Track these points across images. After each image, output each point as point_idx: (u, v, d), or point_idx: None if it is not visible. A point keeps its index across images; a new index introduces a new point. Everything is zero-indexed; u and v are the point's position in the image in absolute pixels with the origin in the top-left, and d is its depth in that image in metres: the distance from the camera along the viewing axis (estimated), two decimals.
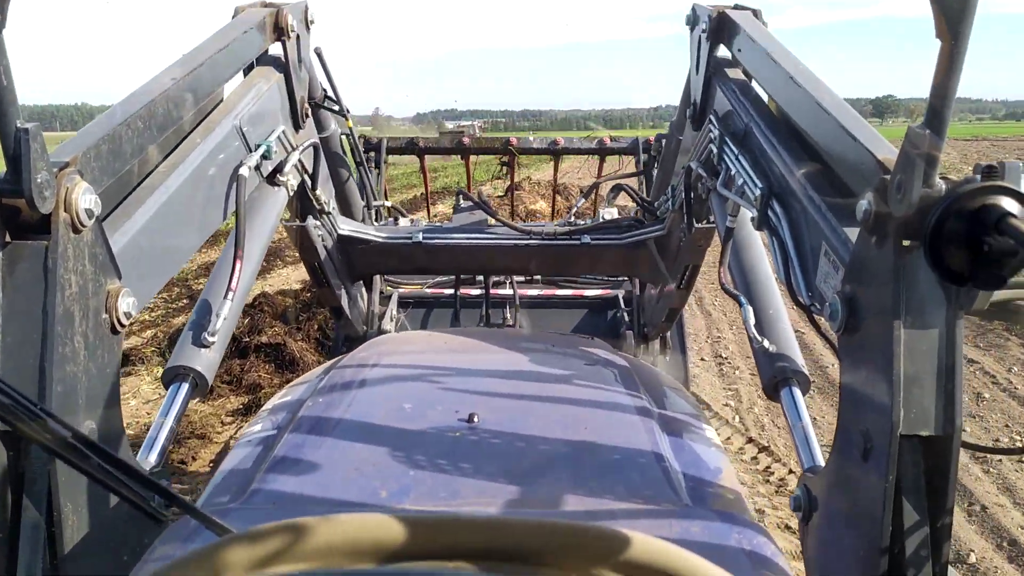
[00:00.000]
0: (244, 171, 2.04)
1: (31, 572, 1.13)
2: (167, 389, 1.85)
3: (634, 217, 3.64)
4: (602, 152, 4.51)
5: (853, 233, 1.33)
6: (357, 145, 3.64)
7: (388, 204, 3.91)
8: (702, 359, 7.87)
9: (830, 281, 1.42)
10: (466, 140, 4.48)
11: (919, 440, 1.16)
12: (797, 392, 1.88)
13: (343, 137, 3.47)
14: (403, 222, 3.70)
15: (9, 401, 0.81)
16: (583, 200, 4.24)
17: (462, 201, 3.64)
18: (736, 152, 2.08)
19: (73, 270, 1.27)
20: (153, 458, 1.65)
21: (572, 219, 3.75)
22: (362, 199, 3.70)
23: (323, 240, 3.05)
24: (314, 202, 2.86)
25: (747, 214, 2.05)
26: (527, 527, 0.65)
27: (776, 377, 1.92)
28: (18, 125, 1.14)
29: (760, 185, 1.84)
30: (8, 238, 1.24)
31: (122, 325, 1.42)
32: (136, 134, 1.59)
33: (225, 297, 1.95)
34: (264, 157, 2.21)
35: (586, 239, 3.39)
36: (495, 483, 1.50)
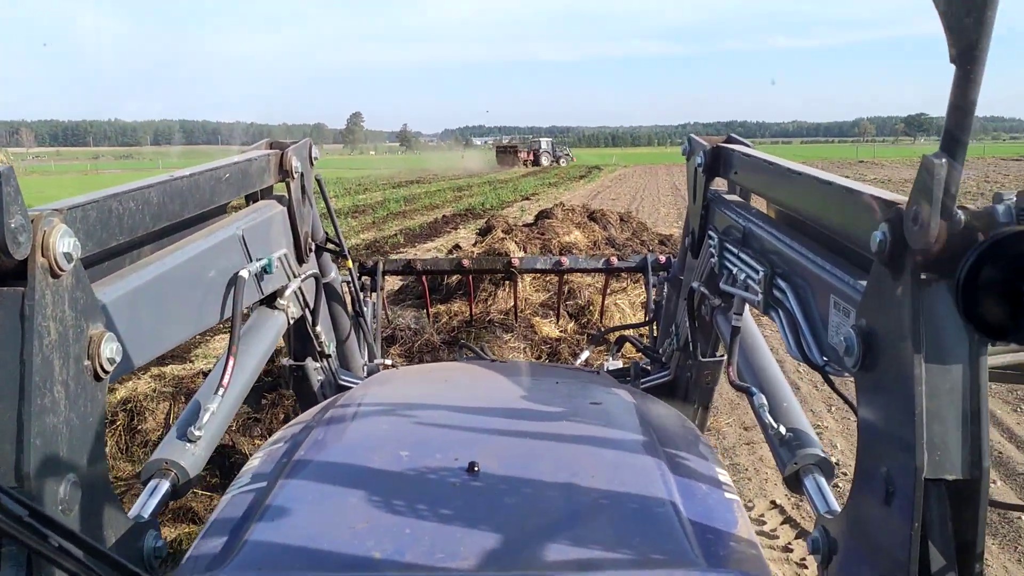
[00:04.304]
0: (244, 273, 2.09)
1: None
2: (144, 486, 1.72)
3: (640, 366, 3.60)
4: (609, 271, 4.35)
5: (862, 285, 1.35)
6: (358, 292, 3.60)
7: (388, 361, 3.84)
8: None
9: (842, 331, 1.38)
10: (466, 262, 4.47)
11: (944, 484, 1.12)
12: (822, 480, 1.80)
13: (344, 284, 3.52)
14: None
15: None
16: (587, 352, 4.28)
17: (465, 353, 3.72)
18: (737, 251, 2.18)
19: (52, 316, 1.23)
20: (147, 514, 1.58)
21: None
22: (361, 356, 3.65)
23: (321, 386, 2.97)
24: (314, 340, 2.86)
25: (749, 316, 2.19)
26: None
27: (798, 464, 1.84)
28: None
29: (762, 269, 1.92)
30: None
31: (105, 372, 1.37)
32: (127, 213, 1.57)
33: (216, 392, 1.90)
34: (265, 271, 2.25)
35: None
36: (496, 540, 1.42)
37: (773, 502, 5.49)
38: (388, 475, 1.68)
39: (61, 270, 1.24)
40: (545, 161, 68.03)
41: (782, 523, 5.23)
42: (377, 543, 1.40)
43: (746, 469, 6.01)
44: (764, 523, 5.22)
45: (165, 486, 1.71)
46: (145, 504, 1.64)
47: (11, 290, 1.19)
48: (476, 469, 1.64)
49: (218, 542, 1.48)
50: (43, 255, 1.21)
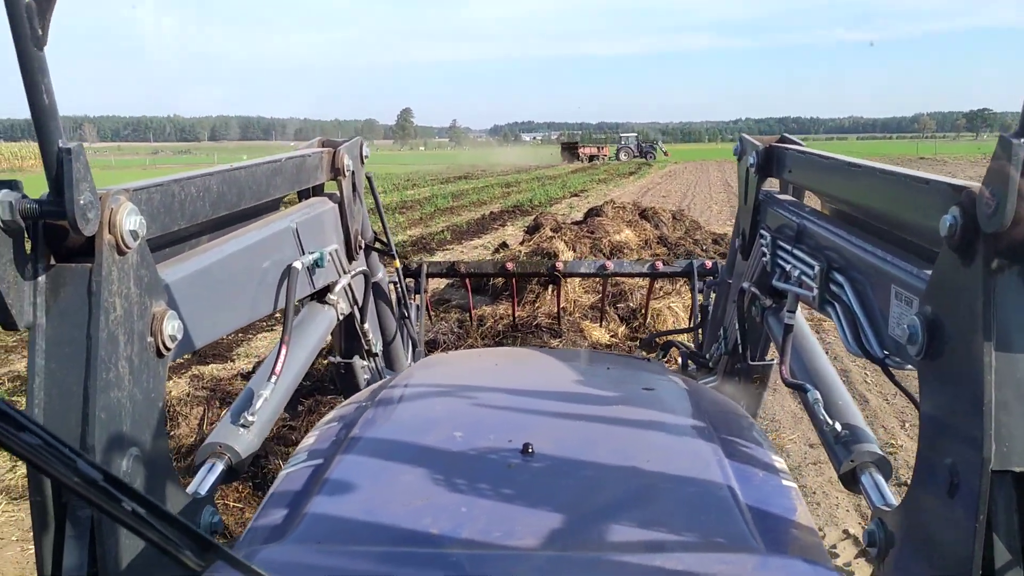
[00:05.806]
0: (297, 265, 2.14)
1: None
2: (199, 469, 1.75)
3: (689, 370, 3.56)
4: (654, 276, 4.47)
5: (925, 274, 1.33)
6: (405, 293, 3.62)
7: None
8: None
9: (905, 320, 1.36)
10: (509, 265, 4.61)
11: (1012, 476, 1.08)
12: (879, 477, 1.74)
13: (391, 284, 3.51)
14: None
15: (36, 440, 0.70)
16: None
17: None
18: (791, 248, 2.16)
19: (118, 293, 1.26)
20: (204, 491, 1.61)
21: None
22: (405, 357, 3.64)
23: (368, 385, 2.92)
24: (362, 338, 2.89)
25: (800, 315, 2.24)
26: None
27: (855, 462, 1.79)
28: (60, 145, 1.13)
29: (817, 264, 1.90)
30: (53, 261, 1.23)
31: (167, 349, 1.41)
32: (188, 199, 1.60)
33: (268, 379, 1.93)
34: (317, 264, 2.29)
35: None
36: (552, 520, 1.41)
37: (846, 531, 4.98)
38: (443, 454, 1.69)
39: (127, 247, 1.27)
40: (624, 157, 65.79)
41: (856, 556, 4.74)
42: (435, 520, 1.41)
43: (814, 492, 5.51)
44: (837, 555, 4.74)
45: (220, 466, 1.74)
46: (203, 481, 1.66)
47: (79, 266, 1.22)
48: (531, 450, 1.64)
49: (278, 515, 1.50)
50: (110, 232, 1.24)
